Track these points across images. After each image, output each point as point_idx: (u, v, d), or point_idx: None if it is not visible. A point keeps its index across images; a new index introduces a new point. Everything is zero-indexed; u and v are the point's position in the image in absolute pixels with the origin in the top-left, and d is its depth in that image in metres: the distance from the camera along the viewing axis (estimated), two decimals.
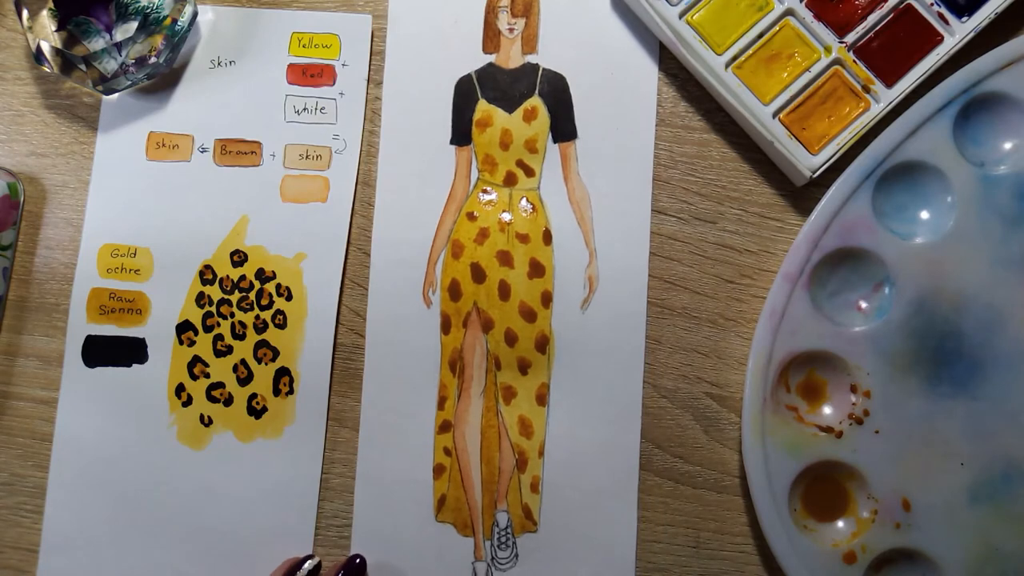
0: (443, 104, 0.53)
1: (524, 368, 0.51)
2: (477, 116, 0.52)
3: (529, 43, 0.53)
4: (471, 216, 0.52)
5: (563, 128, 0.52)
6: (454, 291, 0.51)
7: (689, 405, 0.50)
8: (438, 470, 0.50)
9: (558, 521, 0.50)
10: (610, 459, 0.50)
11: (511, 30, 0.53)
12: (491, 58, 0.53)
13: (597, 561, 0.49)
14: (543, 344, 0.51)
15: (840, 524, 0.48)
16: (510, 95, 0.53)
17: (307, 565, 0.47)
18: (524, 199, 0.52)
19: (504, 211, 0.52)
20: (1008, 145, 0.49)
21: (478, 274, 0.51)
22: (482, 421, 0.51)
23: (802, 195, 0.51)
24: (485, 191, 0.52)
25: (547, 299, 0.51)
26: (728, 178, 0.51)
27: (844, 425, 0.48)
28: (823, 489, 0.48)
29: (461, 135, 0.52)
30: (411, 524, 0.50)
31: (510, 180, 0.52)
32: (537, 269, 0.51)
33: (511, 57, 0.53)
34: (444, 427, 0.51)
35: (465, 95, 0.53)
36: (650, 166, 0.52)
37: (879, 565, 0.47)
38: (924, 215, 0.49)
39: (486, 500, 0.50)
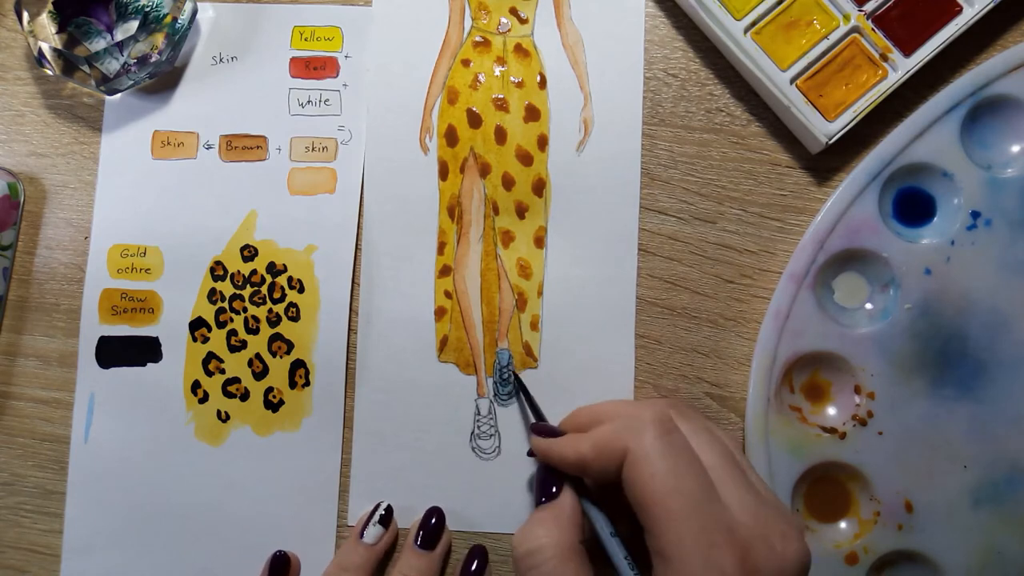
0: None
1: (522, 212, 0.51)
2: None
3: None
4: (466, 63, 0.52)
5: None
6: (451, 137, 0.52)
7: (689, 405, 0.50)
8: (439, 312, 0.51)
9: (558, 356, 0.51)
10: (608, 294, 0.51)
11: None
12: None
13: (596, 392, 0.50)
14: (540, 188, 0.51)
15: (842, 525, 0.48)
16: None
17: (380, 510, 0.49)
18: (518, 45, 0.52)
19: (498, 57, 0.52)
20: (1015, 148, 0.49)
21: (474, 119, 0.52)
22: (481, 264, 0.51)
23: (803, 195, 0.51)
24: (479, 38, 0.52)
25: (543, 143, 0.51)
26: (728, 178, 0.51)
27: (847, 426, 0.48)
28: (826, 490, 0.49)
29: None
30: (414, 365, 0.51)
31: (503, 27, 0.52)
32: (533, 113, 0.52)
33: None
34: (444, 271, 0.51)
35: None
36: (642, 6, 0.52)
37: (881, 567, 0.48)
38: (930, 217, 0.49)
39: (487, 339, 0.51)
